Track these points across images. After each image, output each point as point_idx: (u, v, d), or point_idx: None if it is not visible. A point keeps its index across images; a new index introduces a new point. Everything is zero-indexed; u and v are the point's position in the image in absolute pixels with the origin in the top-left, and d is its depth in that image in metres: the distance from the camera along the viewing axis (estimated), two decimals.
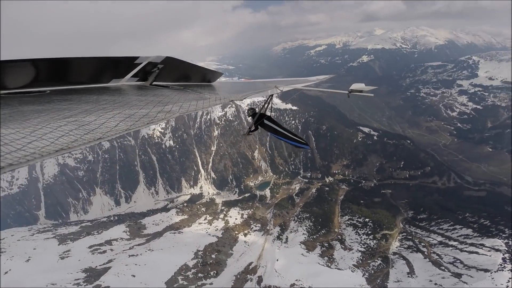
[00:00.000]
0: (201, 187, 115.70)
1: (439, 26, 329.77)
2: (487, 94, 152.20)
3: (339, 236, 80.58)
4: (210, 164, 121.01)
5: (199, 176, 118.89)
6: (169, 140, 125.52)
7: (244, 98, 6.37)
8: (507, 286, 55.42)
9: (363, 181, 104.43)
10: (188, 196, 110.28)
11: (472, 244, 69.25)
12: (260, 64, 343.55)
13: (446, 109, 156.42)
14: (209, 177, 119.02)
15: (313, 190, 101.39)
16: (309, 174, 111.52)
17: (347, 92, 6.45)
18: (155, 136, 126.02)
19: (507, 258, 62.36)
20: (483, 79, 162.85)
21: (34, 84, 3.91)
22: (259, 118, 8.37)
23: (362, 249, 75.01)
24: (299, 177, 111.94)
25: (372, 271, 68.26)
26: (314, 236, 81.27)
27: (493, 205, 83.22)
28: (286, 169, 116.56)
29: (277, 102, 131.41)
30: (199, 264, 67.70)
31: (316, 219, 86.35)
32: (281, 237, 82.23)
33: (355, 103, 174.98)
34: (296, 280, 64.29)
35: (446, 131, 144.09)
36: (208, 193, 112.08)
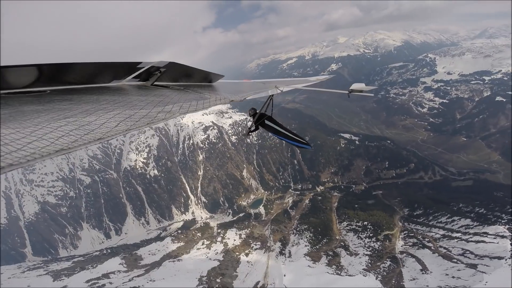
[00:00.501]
0: (193, 213, 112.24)
1: (394, 29, 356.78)
2: (449, 88, 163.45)
3: (342, 243, 79.92)
4: (199, 189, 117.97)
5: (190, 202, 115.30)
6: (153, 170, 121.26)
7: (245, 99, 6.31)
8: None
9: (353, 186, 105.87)
10: (181, 223, 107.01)
11: (476, 234, 70.03)
12: None
13: (416, 106, 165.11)
14: (199, 201, 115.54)
15: (307, 201, 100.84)
16: (300, 186, 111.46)
17: (347, 92, 6.56)
18: (137, 167, 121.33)
19: None
20: (442, 75, 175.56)
21: (33, 85, 3.90)
22: (260, 118, 8.28)
23: (368, 253, 74.40)
24: (290, 190, 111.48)
25: (384, 273, 67.48)
26: (317, 246, 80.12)
27: (482, 193, 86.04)
28: (277, 184, 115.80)
29: None
30: None
31: (315, 229, 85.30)
32: (283, 252, 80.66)
33: (332, 111, 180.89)
34: None
35: (421, 127, 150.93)
36: (202, 218, 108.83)
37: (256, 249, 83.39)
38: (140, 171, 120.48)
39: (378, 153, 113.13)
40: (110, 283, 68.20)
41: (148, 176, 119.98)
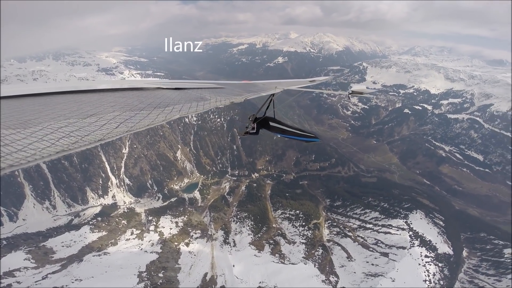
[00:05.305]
0: (113, 196, 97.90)
1: (341, 34, 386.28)
2: (371, 95, 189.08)
3: (279, 231, 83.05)
4: (123, 169, 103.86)
5: (110, 183, 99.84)
6: None
7: (245, 99, 6.24)
8: (422, 259, 69.98)
9: (284, 175, 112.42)
10: (99, 208, 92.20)
11: (383, 225, 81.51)
12: (179, 59, 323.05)
13: (342, 108, 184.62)
14: (122, 184, 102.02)
15: (243, 188, 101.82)
16: (237, 172, 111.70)
17: (347, 93, 6.76)
18: None
19: (412, 235, 76.65)
20: (369, 83, 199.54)
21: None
22: (263, 121, 8.10)
23: (304, 241, 79.43)
24: (227, 175, 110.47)
25: (320, 261, 73.85)
26: (259, 235, 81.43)
27: (384, 189, 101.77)
28: (214, 168, 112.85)
29: None
30: (148, 287, 60.13)
31: (254, 217, 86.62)
32: (227, 241, 79.25)
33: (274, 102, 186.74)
34: (260, 282, 64.86)
35: (343, 128, 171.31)
36: (125, 202, 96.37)
37: (196, 238, 79.52)
38: None
39: (307, 146, 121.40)
40: (18, 282, 56.48)
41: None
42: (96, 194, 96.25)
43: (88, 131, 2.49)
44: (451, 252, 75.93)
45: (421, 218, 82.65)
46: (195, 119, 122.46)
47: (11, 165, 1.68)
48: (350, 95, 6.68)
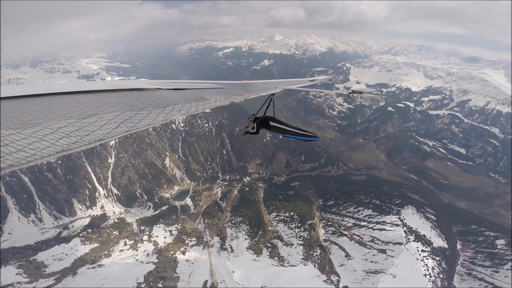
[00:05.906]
0: (102, 207, 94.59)
1: (324, 35, 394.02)
2: (355, 95, 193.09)
3: (275, 234, 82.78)
4: (110, 179, 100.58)
5: (97, 194, 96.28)
6: None
7: (245, 99, 6.21)
8: (419, 254, 71.21)
9: (275, 177, 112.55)
10: (88, 219, 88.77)
11: (377, 222, 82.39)
12: (162, 64, 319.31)
13: (329, 109, 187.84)
14: (110, 194, 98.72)
15: (235, 192, 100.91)
16: (228, 177, 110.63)
17: (347, 93, 6.98)
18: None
19: (407, 231, 77.73)
20: (352, 83, 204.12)
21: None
22: (263, 121, 8.13)
23: (301, 242, 79.50)
24: (218, 181, 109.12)
25: (319, 261, 73.99)
26: (256, 239, 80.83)
27: (374, 186, 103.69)
28: (204, 174, 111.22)
29: None
30: None
31: (249, 221, 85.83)
32: (224, 247, 78.33)
33: (259, 104, 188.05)
34: (262, 286, 64.74)
35: (330, 128, 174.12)
36: (114, 213, 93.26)
37: (192, 245, 78.35)
38: None
39: (297, 147, 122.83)
40: None
41: (38, 163, 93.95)
42: (83, 206, 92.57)
43: (88, 131, 2.49)
44: (446, 246, 77.93)
45: (413, 213, 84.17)
46: (182, 125, 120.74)
47: (11, 165, 1.68)
48: (350, 95, 6.86)
